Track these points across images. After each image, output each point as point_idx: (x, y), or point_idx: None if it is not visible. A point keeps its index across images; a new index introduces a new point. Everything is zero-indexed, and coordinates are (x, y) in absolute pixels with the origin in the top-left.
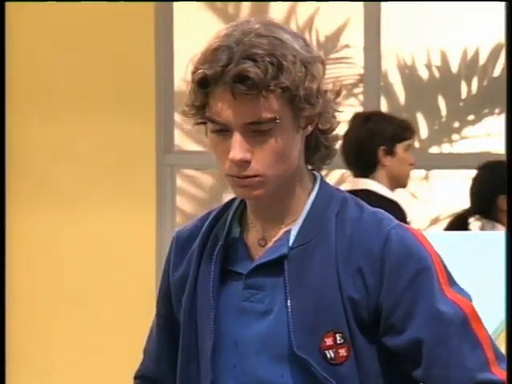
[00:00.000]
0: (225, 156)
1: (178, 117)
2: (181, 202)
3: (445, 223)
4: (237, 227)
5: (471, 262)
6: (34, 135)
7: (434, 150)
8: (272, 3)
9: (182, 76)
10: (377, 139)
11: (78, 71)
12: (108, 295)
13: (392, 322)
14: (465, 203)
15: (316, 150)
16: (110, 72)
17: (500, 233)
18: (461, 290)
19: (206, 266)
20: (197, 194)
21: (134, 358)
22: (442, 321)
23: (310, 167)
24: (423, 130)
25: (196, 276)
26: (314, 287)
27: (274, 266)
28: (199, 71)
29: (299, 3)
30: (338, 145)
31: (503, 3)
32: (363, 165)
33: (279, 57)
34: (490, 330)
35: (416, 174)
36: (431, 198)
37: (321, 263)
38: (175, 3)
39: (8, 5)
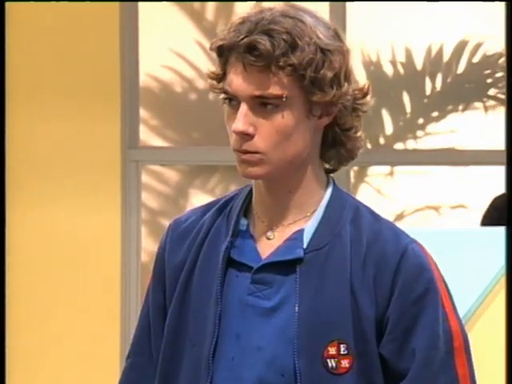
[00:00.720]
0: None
1: (143, 112)
2: (146, 198)
3: (409, 219)
4: (244, 220)
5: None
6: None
7: (398, 146)
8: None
9: (148, 71)
10: None
11: (44, 68)
12: (73, 291)
13: (394, 335)
14: (429, 199)
15: (333, 145)
16: (76, 68)
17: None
18: (458, 316)
19: (208, 255)
20: (162, 189)
21: (102, 350)
22: (436, 346)
23: (326, 166)
24: (388, 126)
25: (194, 262)
26: (324, 294)
27: (285, 265)
28: (219, 39)
29: (265, 1)
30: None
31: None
32: None
33: (295, 36)
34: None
35: (381, 170)
36: (396, 194)
37: (334, 270)
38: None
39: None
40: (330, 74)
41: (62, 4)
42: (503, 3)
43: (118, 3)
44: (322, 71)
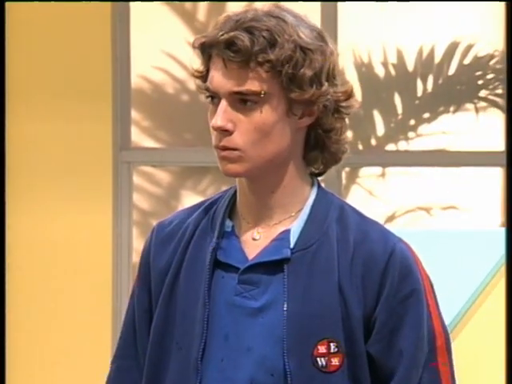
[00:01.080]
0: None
1: (134, 113)
2: (138, 199)
3: (401, 220)
4: (229, 221)
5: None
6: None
7: (390, 147)
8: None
9: (139, 73)
10: None
11: (38, 68)
12: (66, 291)
13: (382, 334)
14: (420, 200)
15: (315, 147)
16: (67, 69)
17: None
18: (441, 315)
19: (194, 256)
20: (154, 191)
21: (94, 349)
22: (421, 346)
23: (312, 170)
24: (379, 127)
25: (180, 264)
26: (313, 293)
27: (272, 265)
28: (201, 37)
29: (256, 2)
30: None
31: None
32: None
33: (274, 33)
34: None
35: (372, 172)
36: (387, 195)
37: (322, 269)
38: (132, 2)
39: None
40: (309, 73)
41: (55, 5)
42: (502, 3)
43: (109, 4)
44: (301, 69)
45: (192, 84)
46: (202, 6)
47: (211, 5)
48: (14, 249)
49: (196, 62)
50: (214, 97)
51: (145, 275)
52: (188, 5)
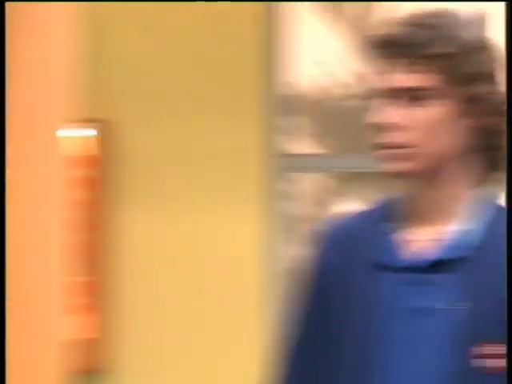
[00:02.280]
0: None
1: (284, 120)
2: (286, 206)
3: None
4: (391, 224)
5: None
6: (145, 135)
7: None
8: None
9: (289, 79)
10: None
11: (182, 77)
12: (211, 298)
13: None
14: None
15: (479, 149)
16: (214, 77)
17: None
18: None
19: (356, 259)
20: (302, 197)
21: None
22: None
23: (475, 175)
24: None
25: (342, 265)
26: (486, 294)
27: (435, 265)
28: (375, 35)
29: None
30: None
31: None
32: None
33: (443, 31)
34: None
35: None
36: None
37: (490, 270)
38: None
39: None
40: (476, 70)
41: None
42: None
43: (261, 7)
44: (469, 67)
45: (344, 90)
46: (347, 11)
47: (356, 10)
48: (162, 257)
49: (358, 65)
50: (383, 96)
51: (316, 275)
52: (347, 10)
